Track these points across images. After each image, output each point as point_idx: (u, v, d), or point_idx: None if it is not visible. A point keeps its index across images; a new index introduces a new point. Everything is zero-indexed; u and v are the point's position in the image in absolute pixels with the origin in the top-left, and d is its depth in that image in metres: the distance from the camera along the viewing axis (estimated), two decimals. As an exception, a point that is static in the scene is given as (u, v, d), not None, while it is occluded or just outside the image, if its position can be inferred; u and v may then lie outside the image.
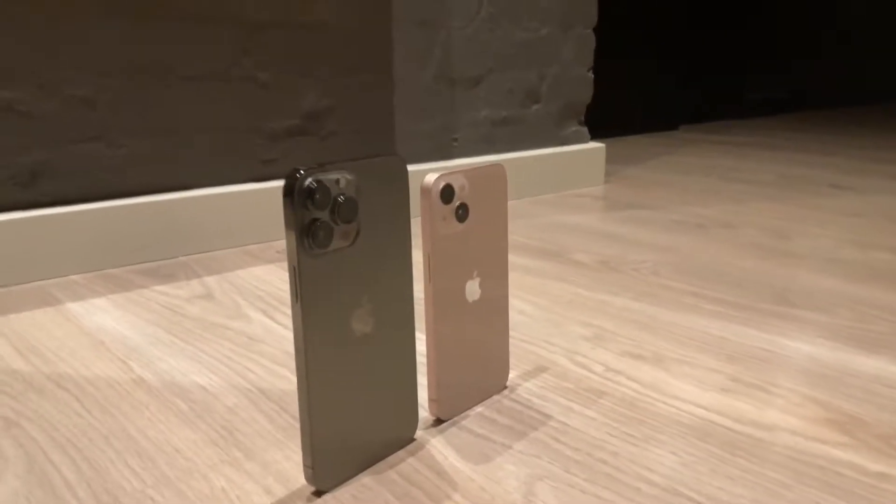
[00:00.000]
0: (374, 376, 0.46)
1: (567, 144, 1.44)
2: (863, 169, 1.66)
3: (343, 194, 0.42)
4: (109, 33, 0.88)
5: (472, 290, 0.53)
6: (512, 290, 0.82)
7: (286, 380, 0.59)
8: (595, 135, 1.76)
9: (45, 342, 0.67)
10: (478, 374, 0.55)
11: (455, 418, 0.53)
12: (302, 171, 0.40)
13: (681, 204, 1.29)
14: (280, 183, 1.05)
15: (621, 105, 2.24)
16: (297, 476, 0.46)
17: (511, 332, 0.70)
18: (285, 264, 0.92)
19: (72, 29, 0.85)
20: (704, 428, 0.52)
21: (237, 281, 0.86)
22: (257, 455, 0.48)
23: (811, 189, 1.42)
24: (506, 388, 0.58)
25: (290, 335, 0.69)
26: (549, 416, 0.53)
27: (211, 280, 0.86)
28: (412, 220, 1.10)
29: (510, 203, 1.32)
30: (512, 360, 0.63)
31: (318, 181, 0.41)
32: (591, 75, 1.45)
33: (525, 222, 1.16)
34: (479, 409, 0.55)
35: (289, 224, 0.40)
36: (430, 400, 0.52)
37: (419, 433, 0.51)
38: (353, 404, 0.45)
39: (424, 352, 0.63)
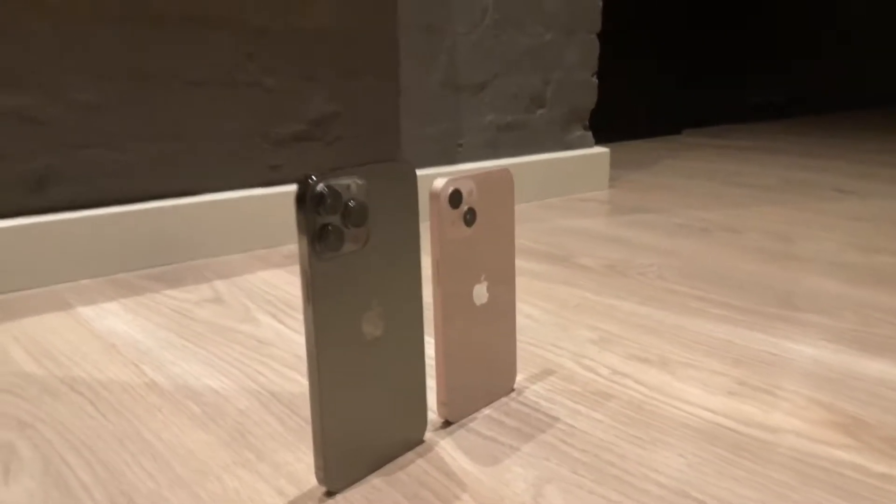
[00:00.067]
0: (383, 378, 0.47)
1: (572, 149, 1.45)
2: (866, 173, 1.66)
3: (354, 199, 0.43)
4: (116, 39, 0.89)
5: (480, 293, 0.53)
6: (518, 294, 0.83)
7: (296, 383, 0.60)
8: (599, 139, 1.77)
9: (58, 346, 0.68)
10: (486, 376, 0.55)
11: (463, 420, 0.54)
12: (313, 177, 0.41)
13: (685, 208, 1.30)
14: (287, 188, 1.05)
15: (624, 109, 2.25)
16: (308, 477, 0.47)
17: (518, 336, 0.70)
18: (293, 268, 0.93)
19: (78, 35, 0.87)
20: (711, 430, 0.52)
21: (245, 285, 0.86)
22: (269, 457, 0.49)
23: (815, 193, 1.43)
24: (513, 390, 0.59)
25: (299, 338, 0.70)
26: (556, 419, 0.54)
27: (220, 284, 0.87)
28: (420, 225, 1.11)
29: (516, 207, 1.32)
30: (519, 364, 0.64)
31: (329, 186, 0.41)
32: (595, 80, 1.46)
33: (531, 226, 1.17)
34: (486, 411, 0.55)
35: (301, 229, 0.41)
36: (439, 402, 0.53)
37: (428, 435, 0.52)
38: (364, 406, 0.46)
39: (433, 355, 0.64)
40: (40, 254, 0.86)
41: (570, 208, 1.31)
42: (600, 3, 1.42)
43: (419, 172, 1.19)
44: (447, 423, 0.53)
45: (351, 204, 0.43)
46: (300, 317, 0.76)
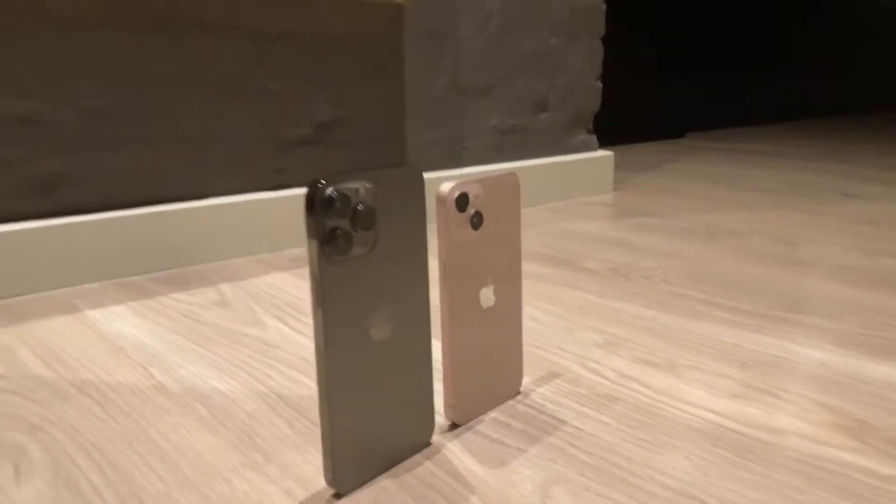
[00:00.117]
0: (391, 381, 0.47)
1: (576, 153, 1.45)
2: (871, 176, 1.66)
3: (362, 203, 0.43)
4: (124, 45, 0.90)
5: (487, 296, 0.54)
6: (524, 298, 0.83)
7: (303, 385, 0.60)
8: (602, 142, 1.77)
9: (66, 349, 0.69)
10: (492, 379, 0.56)
11: (470, 423, 0.54)
12: (323, 181, 0.41)
13: (690, 211, 1.30)
14: (292, 192, 1.06)
15: (628, 113, 2.25)
16: (316, 479, 0.47)
17: (523, 339, 0.70)
18: (298, 271, 0.94)
19: (88, 41, 0.87)
20: (717, 433, 0.52)
21: (251, 288, 0.87)
22: (277, 459, 0.49)
23: (819, 196, 1.43)
24: (519, 393, 0.59)
25: (305, 341, 0.70)
26: (562, 422, 0.54)
27: (226, 287, 0.87)
28: (427, 228, 1.11)
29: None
30: (525, 367, 0.64)
31: (338, 190, 0.42)
32: (599, 84, 1.46)
33: (535, 230, 1.17)
34: (493, 414, 0.56)
35: (310, 232, 0.41)
36: (446, 405, 0.53)
37: (435, 438, 0.52)
38: (372, 408, 0.46)
39: (440, 358, 0.64)
40: (48, 257, 0.86)
41: (574, 212, 1.31)
42: (604, 8, 1.43)
43: (424, 176, 1.20)
44: (454, 426, 0.54)
45: (360, 208, 0.43)
46: (306, 320, 0.76)
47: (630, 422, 0.54)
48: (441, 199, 0.49)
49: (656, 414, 0.55)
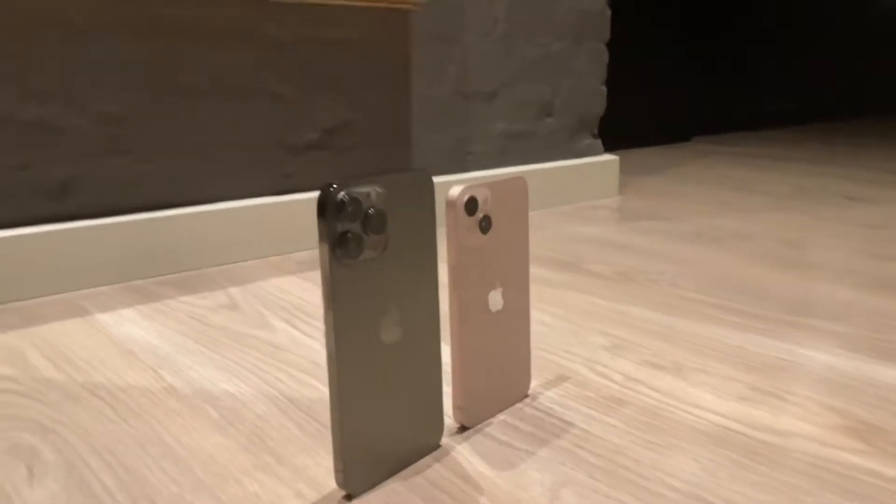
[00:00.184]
0: (401, 383, 0.47)
1: (581, 157, 1.46)
2: (877, 180, 1.66)
3: (373, 207, 0.44)
4: (137, 51, 0.91)
5: (495, 300, 0.54)
6: (530, 301, 0.83)
7: (313, 388, 0.61)
8: (608, 146, 1.77)
9: (77, 352, 0.69)
10: (501, 382, 0.56)
11: (479, 426, 0.54)
12: (335, 186, 0.42)
13: (696, 215, 1.30)
14: (299, 196, 1.06)
15: (634, 117, 2.25)
16: (327, 481, 0.47)
17: (531, 342, 0.71)
18: (306, 275, 0.94)
19: (101, 47, 0.88)
20: (724, 435, 0.53)
21: (260, 292, 0.87)
22: (288, 461, 0.50)
23: (826, 200, 1.43)
24: (527, 396, 0.59)
25: (314, 344, 0.70)
26: (571, 424, 0.55)
27: (234, 290, 0.88)
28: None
29: (526, 215, 1.33)
30: (532, 370, 0.64)
31: (349, 195, 0.42)
32: (604, 89, 1.47)
33: (541, 234, 1.17)
34: (502, 416, 0.56)
35: (322, 235, 0.42)
36: (455, 407, 0.53)
37: (444, 440, 0.52)
38: (382, 410, 0.46)
39: (448, 361, 0.64)
40: (58, 261, 0.87)
41: (580, 216, 1.31)
42: (609, 13, 1.43)
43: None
44: (463, 429, 0.54)
45: (371, 211, 0.44)
46: (315, 323, 0.76)
47: (638, 424, 0.54)
48: (450, 203, 0.50)
49: (664, 416, 0.56)
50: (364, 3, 1.07)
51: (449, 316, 0.51)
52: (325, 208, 0.41)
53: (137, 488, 0.47)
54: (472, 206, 0.51)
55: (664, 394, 0.59)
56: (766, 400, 0.58)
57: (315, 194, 1.08)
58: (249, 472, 0.48)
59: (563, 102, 1.40)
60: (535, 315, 0.79)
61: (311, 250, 1.08)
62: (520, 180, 0.55)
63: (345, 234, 0.42)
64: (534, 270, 0.96)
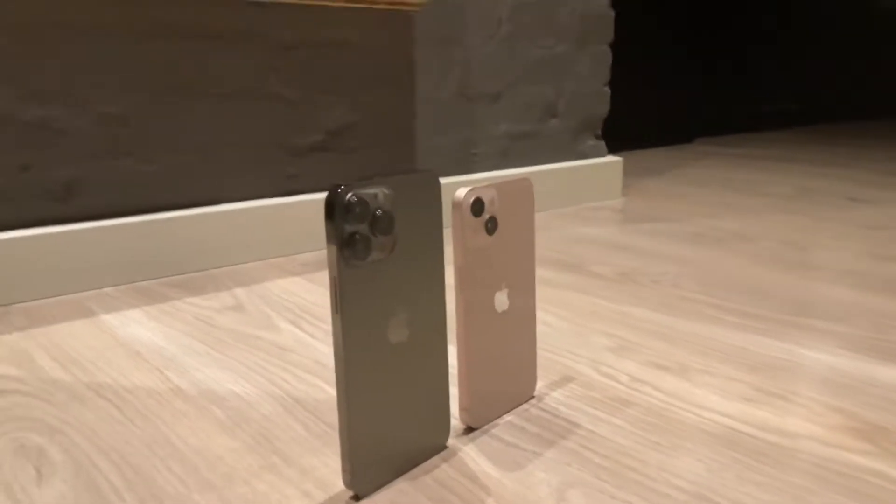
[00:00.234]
0: (408, 384, 0.48)
1: (584, 158, 1.46)
2: (880, 182, 1.66)
3: (381, 208, 0.44)
4: (140, 52, 0.91)
5: (501, 300, 0.54)
6: (534, 302, 0.83)
7: (319, 389, 0.61)
8: (611, 148, 1.77)
9: (83, 353, 0.69)
10: (507, 383, 0.56)
11: (485, 427, 0.55)
12: (342, 187, 0.42)
13: (699, 216, 1.30)
14: (304, 197, 1.07)
15: (636, 118, 2.26)
16: (334, 481, 0.48)
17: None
18: (310, 276, 0.94)
19: (104, 48, 0.88)
20: (729, 436, 0.53)
21: (265, 293, 0.87)
22: (295, 461, 0.50)
23: (828, 202, 1.43)
24: (533, 397, 0.59)
25: (319, 345, 0.71)
26: (577, 425, 0.55)
27: (240, 292, 0.88)
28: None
29: (528, 216, 1.33)
30: (538, 371, 0.65)
31: (357, 196, 0.42)
32: (607, 90, 1.47)
33: (544, 235, 1.18)
34: (508, 417, 0.56)
35: (330, 237, 0.42)
36: (461, 408, 0.53)
37: (451, 441, 0.52)
38: (390, 411, 0.47)
39: (455, 361, 0.65)
40: (64, 262, 0.87)
41: (583, 217, 1.32)
42: (612, 15, 1.44)
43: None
44: (469, 429, 0.54)
45: (378, 213, 0.44)
46: (320, 324, 0.77)
47: (643, 425, 0.55)
48: (457, 205, 0.50)
49: (669, 417, 0.56)
50: (365, 5, 1.07)
51: (455, 317, 0.51)
52: (334, 209, 0.42)
53: (145, 488, 0.47)
54: (478, 207, 0.51)
55: (669, 394, 0.60)
56: (770, 400, 0.58)
57: (320, 196, 1.08)
58: (257, 473, 0.49)
59: (566, 104, 1.40)
60: (539, 316, 0.79)
61: (316, 252, 1.08)
62: (526, 181, 0.55)
63: (353, 236, 0.43)
64: (537, 271, 0.96)
